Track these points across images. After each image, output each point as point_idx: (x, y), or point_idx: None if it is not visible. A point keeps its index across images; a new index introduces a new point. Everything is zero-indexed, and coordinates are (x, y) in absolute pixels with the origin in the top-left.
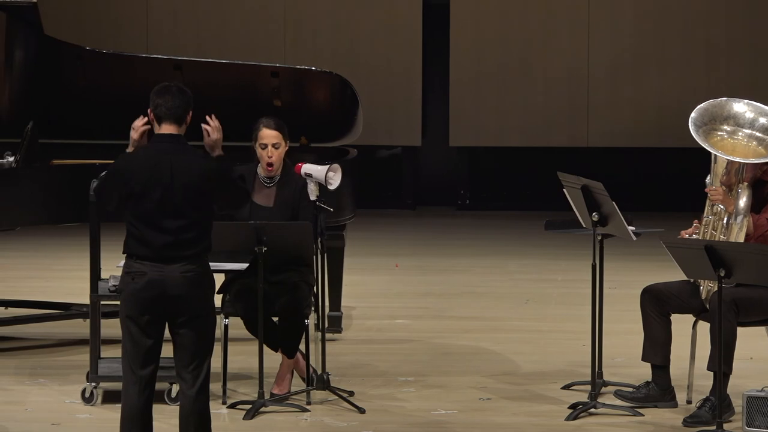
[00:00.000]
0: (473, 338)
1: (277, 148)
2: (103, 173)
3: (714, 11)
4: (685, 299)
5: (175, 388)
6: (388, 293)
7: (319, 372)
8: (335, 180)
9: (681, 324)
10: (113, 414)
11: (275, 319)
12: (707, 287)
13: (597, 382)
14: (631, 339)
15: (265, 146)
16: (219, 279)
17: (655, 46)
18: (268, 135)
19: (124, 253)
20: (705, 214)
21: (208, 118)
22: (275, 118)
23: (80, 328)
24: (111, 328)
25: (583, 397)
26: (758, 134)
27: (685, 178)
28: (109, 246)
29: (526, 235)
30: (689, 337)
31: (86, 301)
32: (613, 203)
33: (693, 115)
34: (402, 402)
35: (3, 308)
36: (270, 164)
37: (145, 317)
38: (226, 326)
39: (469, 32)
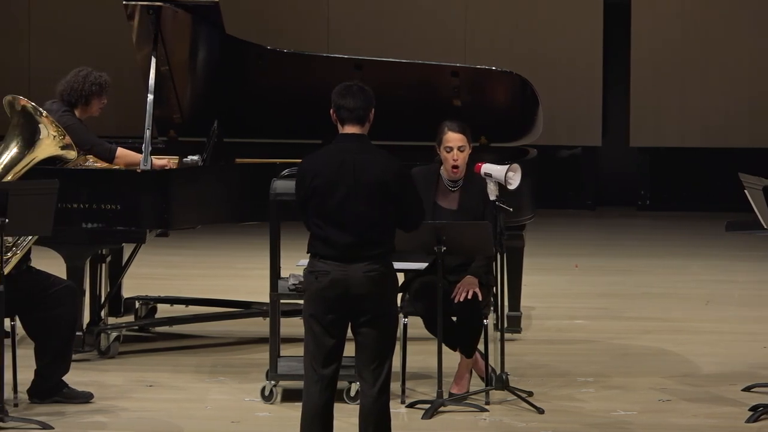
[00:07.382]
0: (653, 339)
1: (462, 151)
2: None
3: None
4: None
5: (354, 386)
6: (567, 293)
7: (498, 372)
8: (515, 180)
9: None
10: (293, 412)
11: (454, 318)
12: None
13: None
14: None
15: (450, 149)
16: (399, 278)
17: None
18: (454, 138)
19: (308, 252)
20: None
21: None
22: (459, 121)
23: (260, 326)
24: (291, 326)
25: (764, 400)
26: None
27: None
28: (289, 245)
29: (707, 236)
30: None
31: (266, 299)
32: None
33: None
34: (581, 402)
35: (184, 306)
36: (455, 167)
37: (328, 316)
38: (405, 325)
39: (649, 31)
